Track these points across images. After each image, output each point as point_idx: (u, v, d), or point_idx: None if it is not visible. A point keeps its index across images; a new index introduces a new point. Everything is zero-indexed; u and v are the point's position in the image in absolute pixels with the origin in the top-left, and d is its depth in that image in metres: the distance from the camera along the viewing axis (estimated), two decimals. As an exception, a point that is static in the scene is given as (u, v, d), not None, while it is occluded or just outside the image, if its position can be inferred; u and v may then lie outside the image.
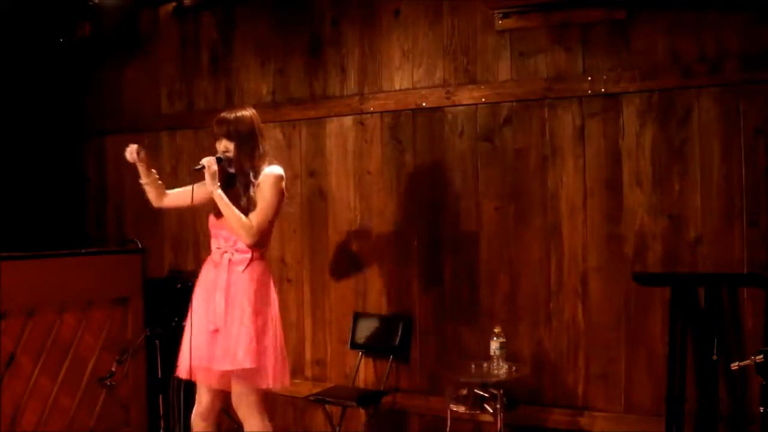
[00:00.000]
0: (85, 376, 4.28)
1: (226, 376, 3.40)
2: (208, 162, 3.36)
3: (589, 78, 3.85)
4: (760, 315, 3.43)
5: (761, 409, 2.82)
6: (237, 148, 3.43)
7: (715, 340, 3.44)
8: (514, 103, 4.05)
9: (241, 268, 3.41)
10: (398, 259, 4.38)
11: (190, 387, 4.55)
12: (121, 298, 4.44)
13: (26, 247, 4.20)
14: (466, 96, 4.17)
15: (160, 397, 4.41)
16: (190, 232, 5.16)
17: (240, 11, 4.93)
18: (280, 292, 4.81)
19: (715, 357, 3.43)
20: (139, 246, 4.63)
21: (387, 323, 4.39)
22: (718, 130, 3.61)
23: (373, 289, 4.49)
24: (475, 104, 4.12)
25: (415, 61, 4.35)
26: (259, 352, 3.33)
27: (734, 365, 2.80)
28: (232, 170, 3.45)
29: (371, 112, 4.47)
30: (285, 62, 4.77)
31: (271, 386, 3.41)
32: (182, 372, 3.50)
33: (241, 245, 3.41)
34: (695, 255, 3.65)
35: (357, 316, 4.50)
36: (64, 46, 4.95)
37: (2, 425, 3.89)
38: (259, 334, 3.35)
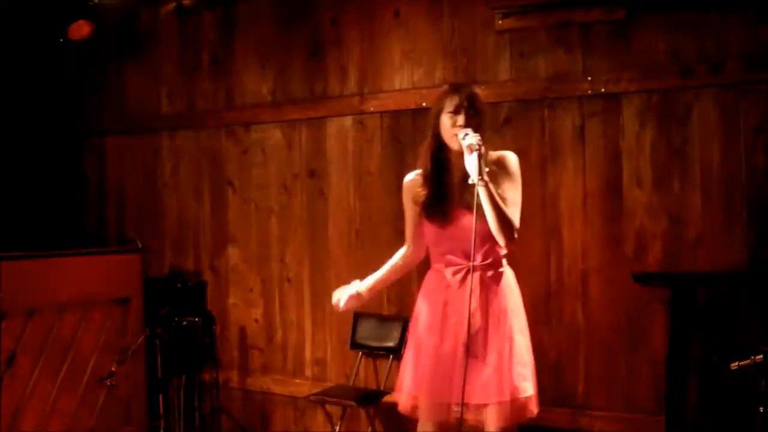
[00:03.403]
0: (85, 376, 4.28)
1: (500, 407, 2.69)
2: (480, 140, 2.54)
3: (589, 78, 3.85)
4: (760, 315, 3.43)
5: (761, 409, 2.82)
6: (480, 123, 2.67)
7: (715, 340, 3.44)
8: (514, 103, 4.04)
9: (495, 284, 2.77)
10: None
11: (190, 387, 4.57)
12: (121, 298, 4.44)
13: (26, 247, 4.20)
14: (466, 96, 4.16)
15: (160, 397, 4.41)
16: (190, 232, 5.16)
17: (240, 11, 4.93)
18: (280, 292, 4.86)
19: (715, 357, 3.43)
20: (139, 246, 4.63)
21: (387, 323, 4.39)
22: (718, 130, 3.61)
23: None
24: (475, 104, 4.12)
25: (415, 61, 4.35)
26: (533, 375, 2.74)
27: (734, 365, 2.80)
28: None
29: (371, 112, 4.47)
30: (285, 62, 4.77)
31: (534, 414, 2.75)
32: (408, 407, 2.87)
33: (492, 258, 2.76)
34: (695, 255, 3.65)
35: (357, 316, 4.50)
36: (65, 46, 4.94)
37: (2, 425, 3.88)
38: (529, 352, 2.77)
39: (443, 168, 2.76)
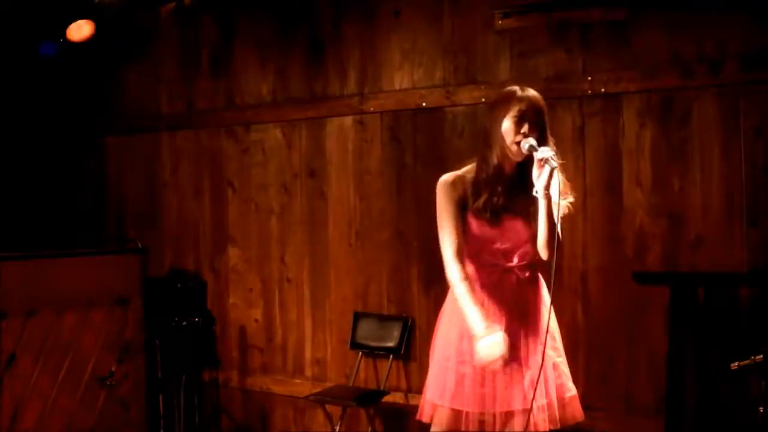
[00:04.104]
0: (85, 376, 4.28)
1: (541, 411, 2.59)
2: (555, 155, 2.49)
3: (589, 78, 3.84)
4: (760, 315, 3.44)
5: (761, 409, 2.82)
6: (543, 134, 2.62)
7: (715, 340, 3.44)
8: (514, 103, 4.04)
9: (532, 285, 2.76)
10: (398, 259, 4.38)
11: (190, 387, 4.57)
12: (121, 298, 4.44)
13: (27, 247, 4.20)
14: (466, 96, 4.17)
15: (160, 397, 4.41)
16: (190, 232, 5.16)
17: (240, 11, 4.93)
18: (280, 292, 4.86)
19: (715, 357, 3.43)
20: (139, 246, 4.63)
21: (387, 323, 4.39)
22: (718, 130, 3.61)
23: (373, 289, 4.49)
24: (475, 104, 4.12)
25: (415, 61, 4.35)
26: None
27: (734, 365, 2.80)
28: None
29: (371, 112, 4.47)
30: (285, 62, 4.77)
31: (580, 419, 2.71)
32: (429, 416, 2.74)
33: (529, 259, 2.71)
34: (695, 255, 3.65)
35: (357, 316, 4.50)
36: (65, 47, 4.94)
37: (2, 425, 3.88)
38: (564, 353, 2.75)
39: (502, 172, 2.65)
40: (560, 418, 2.64)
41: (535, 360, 2.61)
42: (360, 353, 4.48)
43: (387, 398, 4.31)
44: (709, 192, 3.63)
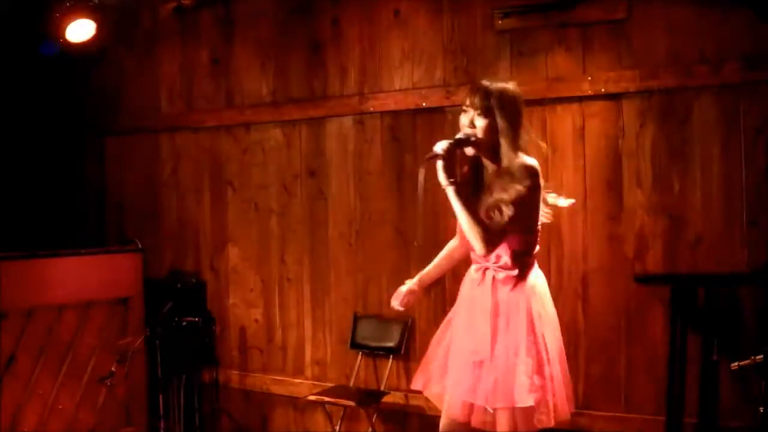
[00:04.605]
0: (85, 376, 4.28)
1: (500, 413, 2.70)
2: (446, 147, 2.62)
3: (589, 78, 3.84)
4: (760, 315, 3.43)
5: (761, 409, 2.82)
6: (491, 124, 2.67)
7: (715, 340, 3.44)
8: (514, 103, 4.04)
9: (508, 287, 2.76)
10: (398, 259, 4.38)
11: (190, 387, 4.57)
12: (121, 298, 4.44)
13: (26, 247, 4.20)
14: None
15: (160, 397, 4.41)
16: (191, 232, 5.16)
17: (240, 11, 4.93)
18: (280, 292, 4.86)
19: (715, 357, 3.42)
20: (139, 246, 4.63)
21: (387, 323, 4.39)
22: (718, 130, 3.61)
23: (373, 289, 4.49)
24: (475, 104, 4.11)
25: (415, 60, 4.34)
26: (542, 386, 2.66)
27: (734, 365, 2.80)
28: (470, 152, 2.75)
29: (371, 112, 4.46)
30: (285, 62, 4.77)
31: (552, 424, 2.70)
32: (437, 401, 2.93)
33: (506, 260, 2.74)
34: (695, 255, 3.65)
35: (357, 317, 4.50)
36: (64, 46, 4.94)
37: (2, 425, 3.89)
38: (540, 364, 2.68)
39: (463, 173, 2.78)
40: (520, 424, 2.67)
41: (500, 362, 2.67)
42: (360, 353, 4.48)
43: (387, 398, 4.31)
44: (709, 192, 3.62)
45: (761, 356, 2.71)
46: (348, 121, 4.56)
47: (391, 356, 4.36)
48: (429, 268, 3.06)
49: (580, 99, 3.88)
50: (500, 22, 4.05)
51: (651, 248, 3.74)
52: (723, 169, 3.60)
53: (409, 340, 4.35)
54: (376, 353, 4.45)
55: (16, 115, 5.20)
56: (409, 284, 3.01)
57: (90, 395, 4.29)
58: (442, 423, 2.89)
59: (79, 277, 4.26)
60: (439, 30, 4.26)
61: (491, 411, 2.69)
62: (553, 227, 3.95)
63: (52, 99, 5.45)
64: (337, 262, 4.61)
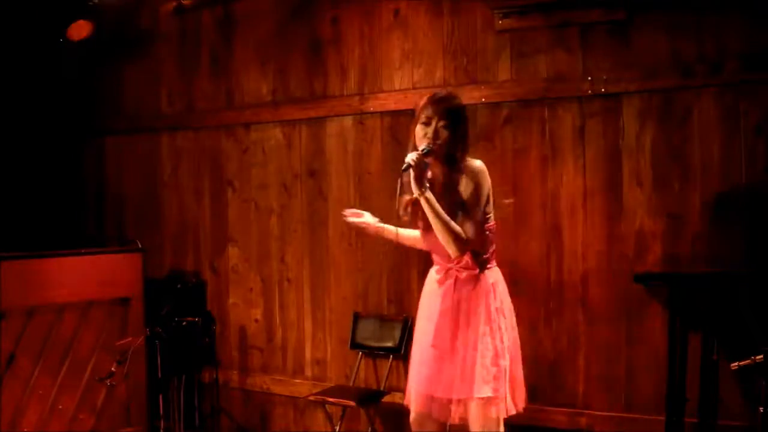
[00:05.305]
0: (85, 376, 4.28)
1: (459, 404, 2.93)
2: (416, 158, 2.80)
3: (589, 78, 3.84)
4: (760, 315, 3.43)
5: (761, 409, 2.82)
6: (452, 134, 2.88)
7: (715, 340, 3.44)
8: (514, 104, 4.04)
9: (470, 287, 2.96)
10: (398, 259, 4.38)
11: (190, 387, 4.58)
12: (121, 298, 4.44)
13: (26, 246, 4.20)
14: (466, 96, 4.14)
15: (160, 397, 4.41)
16: (190, 232, 5.16)
17: (240, 10, 4.93)
18: (280, 292, 4.86)
19: (715, 357, 3.43)
20: (139, 246, 4.63)
21: (387, 323, 4.39)
22: (718, 130, 3.61)
23: (373, 289, 4.49)
24: (475, 104, 4.11)
25: (415, 61, 4.35)
26: (497, 377, 2.88)
27: (734, 365, 2.80)
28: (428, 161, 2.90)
29: (371, 112, 4.47)
30: (285, 62, 4.77)
31: (510, 414, 2.93)
32: (408, 399, 3.16)
33: (467, 260, 2.94)
34: (695, 255, 3.65)
35: (357, 316, 4.50)
36: (64, 46, 4.94)
37: (2, 425, 3.89)
38: (497, 357, 2.89)
39: (431, 180, 2.94)
40: (478, 414, 2.89)
41: (459, 358, 2.91)
42: (360, 353, 4.49)
43: (387, 398, 4.31)
44: (709, 192, 3.63)
45: (761, 356, 2.70)
46: (348, 121, 4.56)
47: (391, 356, 4.36)
48: (393, 229, 3.21)
49: (580, 99, 3.88)
50: (500, 22, 4.05)
51: (651, 248, 3.74)
52: (723, 169, 3.60)
53: (409, 340, 4.33)
54: (376, 353, 4.45)
55: (16, 115, 5.20)
56: (373, 221, 3.24)
57: (90, 395, 4.29)
58: (411, 417, 3.12)
59: (79, 277, 4.26)
60: (439, 30, 4.26)
61: (450, 402, 2.92)
62: (553, 227, 3.96)
63: (52, 98, 5.45)
64: (337, 262, 4.61)
